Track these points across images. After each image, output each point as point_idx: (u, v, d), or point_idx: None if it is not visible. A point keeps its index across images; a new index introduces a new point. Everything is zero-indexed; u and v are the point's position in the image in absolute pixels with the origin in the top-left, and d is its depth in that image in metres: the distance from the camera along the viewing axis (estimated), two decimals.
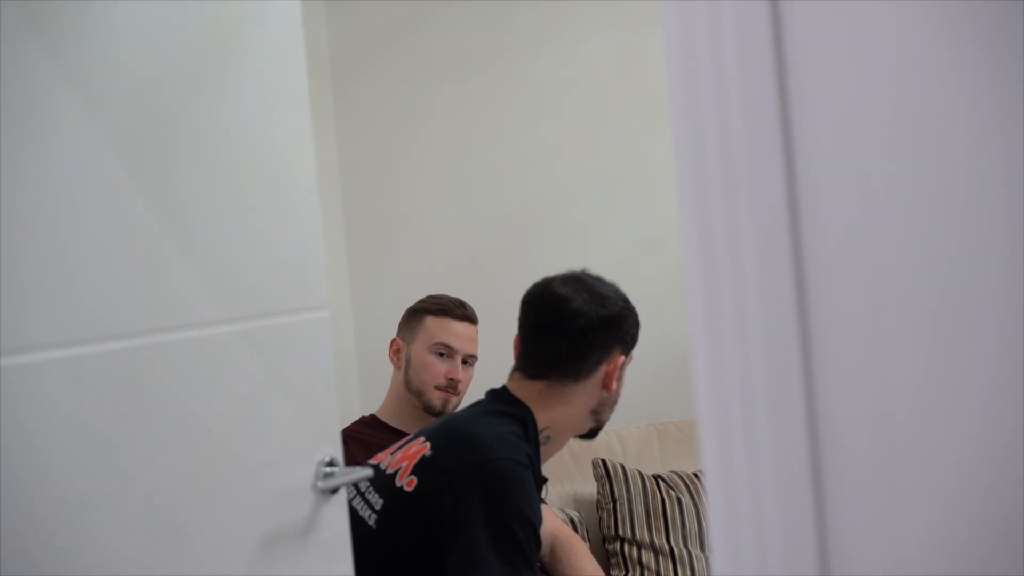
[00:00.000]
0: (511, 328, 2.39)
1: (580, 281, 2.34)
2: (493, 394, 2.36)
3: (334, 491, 1.89)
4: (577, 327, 2.29)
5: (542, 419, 2.30)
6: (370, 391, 3.65)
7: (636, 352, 2.40)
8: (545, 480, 2.38)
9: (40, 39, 1.57)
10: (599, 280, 2.36)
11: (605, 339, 2.30)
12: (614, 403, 2.38)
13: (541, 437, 2.30)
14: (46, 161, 1.57)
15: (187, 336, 1.73)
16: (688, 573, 3.23)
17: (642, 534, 3.26)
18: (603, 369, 2.31)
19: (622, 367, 2.33)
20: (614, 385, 2.33)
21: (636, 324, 2.36)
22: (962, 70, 1.01)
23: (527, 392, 2.32)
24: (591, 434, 2.42)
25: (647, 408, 3.67)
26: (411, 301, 3.30)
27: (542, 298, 2.35)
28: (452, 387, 3.16)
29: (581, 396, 2.32)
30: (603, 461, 3.37)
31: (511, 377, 2.36)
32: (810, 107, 1.06)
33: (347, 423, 3.24)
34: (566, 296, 2.31)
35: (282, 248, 1.88)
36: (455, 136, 3.92)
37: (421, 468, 2.24)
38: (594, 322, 2.29)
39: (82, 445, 1.57)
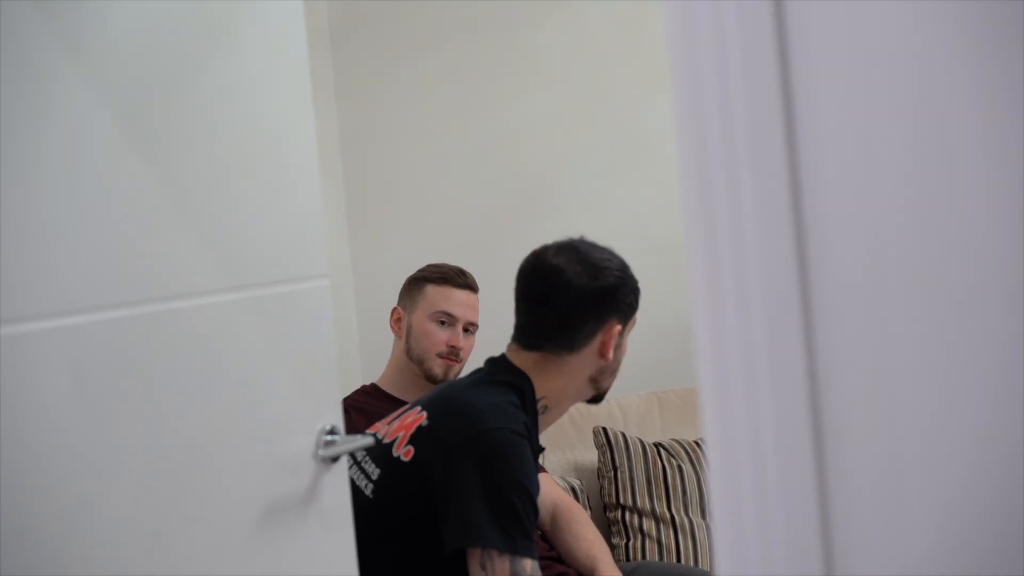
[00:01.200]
0: (511, 297, 2.39)
1: (574, 250, 2.30)
2: (492, 363, 2.35)
3: (335, 459, 1.89)
4: (568, 300, 2.26)
5: (539, 389, 2.29)
6: (371, 360, 3.65)
7: (637, 321, 2.39)
8: (542, 449, 2.37)
9: (44, 12, 1.56)
10: (595, 247, 2.32)
11: (599, 311, 2.27)
12: (614, 371, 2.35)
13: (539, 407, 2.29)
14: (45, 131, 1.56)
15: (187, 305, 1.73)
16: (689, 541, 3.23)
17: (643, 502, 3.27)
18: (598, 339, 2.28)
19: (619, 335, 2.31)
20: (611, 354, 2.29)
21: (634, 292, 2.31)
22: (964, 49, 1.01)
23: (524, 362, 2.30)
24: (595, 399, 2.40)
25: (648, 376, 3.68)
26: (411, 270, 3.30)
27: (534, 269, 2.31)
28: (454, 354, 3.16)
29: (577, 366, 2.30)
30: (604, 429, 3.37)
31: (509, 347, 2.35)
32: (811, 74, 1.05)
33: (348, 392, 3.24)
34: (558, 267, 2.27)
35: (282, 217, 1.88)
36: (455, 105, 3.91)
37: (418, 438, 2.24)
38: (585, 295, 2.26)
39: (81, 414, 1.57)
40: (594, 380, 2.34)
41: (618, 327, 2.29)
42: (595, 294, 2.26)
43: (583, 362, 2.30)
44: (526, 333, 2.32)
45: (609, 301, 2.27)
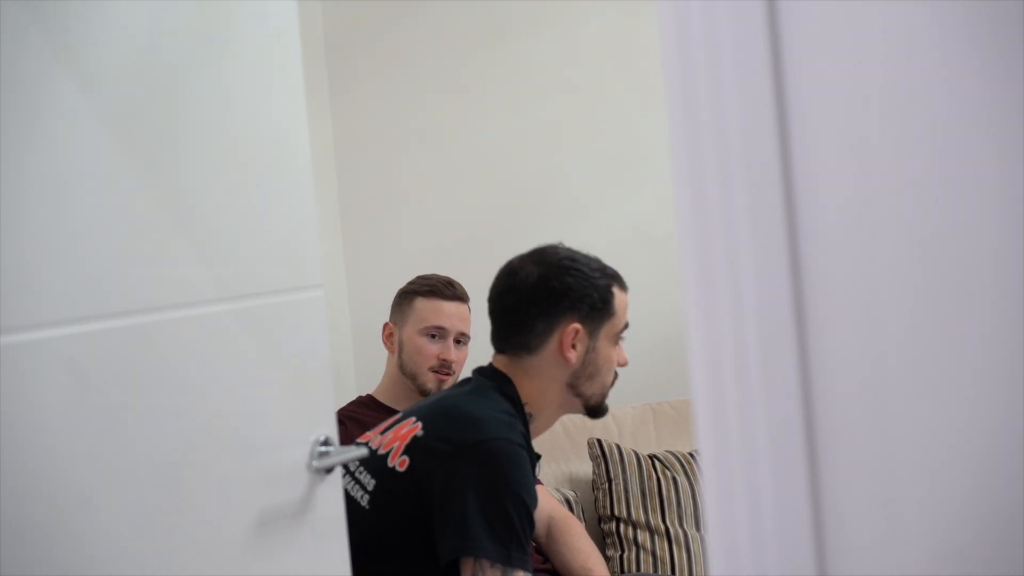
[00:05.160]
0: None
1: (541, 253, 2.32)
2: (479, 371, 2.35)
3: (329, 470, 1.89)
4: (515, 299, 2.29)
5: (522, 394, 2.29)
6: (366, 371, 3.64)
7: (632, 332, 2.37)
8: (538, 457, 2.36)
9: (36, 19, 1.56)
10: (567, 251, 2.32)
11: (547, 309, 2.27)
12: (592, 375, 2.31)
13: (526, 413, 2.29)
14: (42, 141, 1.56)
15: (181, 315, 1.73)
16: (683, 553, 3.23)
17: (637, 514, 3.26)
18: (555, 339, 2.28)
19: (590, 338, 2.28)
20: (572, 355, 2.27)
21: (600, 291, 2.28)
22: (959, 52, 1.01)
23: (503, 367, 2.32)
24: (592, 412, 2.37)
25: (642, 388, 3.67)
26: (406, 280, 3.29)
27: (499, 271, 2.36)
28: (446, 367, 3.16)
29: (544, 369, 2.29)
30: (599, 441, 3.37)
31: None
32: (805, 81, 1.05)
33: (343, 403, 3.24)
34: (513, 268, 2.31)
35: (276, 227, 1.88)
36: (451, 116, 3.91)
37: (413, 448, 2.23)
38: (531, 293, 2.27)
39: (78, 424, 1.57)
40: (572, 386, 2.31)
41: (576, 326, 2.27)
42: (541, 292, 2.27)
43: (547, 364, 2.29)
44: (493, 336, 2.36)
45: (558, 300, 2.27)
